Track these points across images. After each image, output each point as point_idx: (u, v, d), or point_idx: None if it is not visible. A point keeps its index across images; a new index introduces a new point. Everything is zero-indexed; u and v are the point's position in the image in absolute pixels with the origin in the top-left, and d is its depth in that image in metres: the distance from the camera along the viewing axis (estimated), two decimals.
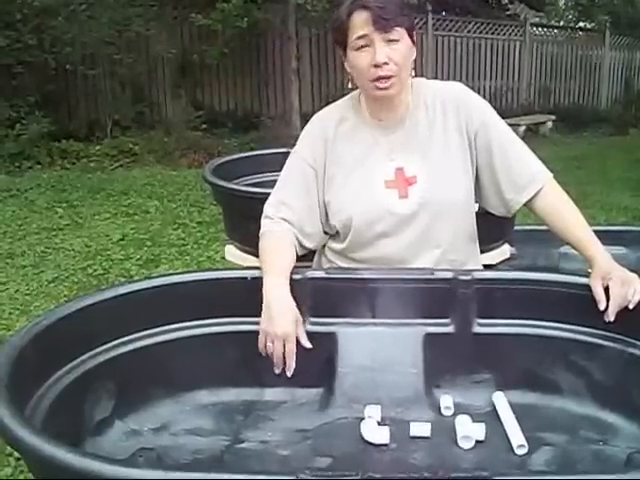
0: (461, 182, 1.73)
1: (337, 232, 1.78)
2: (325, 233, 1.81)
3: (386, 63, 1.61)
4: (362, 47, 1.62)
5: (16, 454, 2.51)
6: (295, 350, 1.52)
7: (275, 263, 1.62)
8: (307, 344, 1.54)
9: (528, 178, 1.73)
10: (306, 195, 1.75)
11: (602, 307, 1.48)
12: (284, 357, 1.52)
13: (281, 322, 1.51)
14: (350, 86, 1.77)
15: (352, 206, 1.71)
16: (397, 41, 1.61)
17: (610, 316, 1.47)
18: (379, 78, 1.63)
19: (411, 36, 1.66)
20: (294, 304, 1.55)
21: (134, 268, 4.68)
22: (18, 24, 7.95)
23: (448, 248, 1.74)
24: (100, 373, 1.43)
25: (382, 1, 1.59)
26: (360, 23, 1.60)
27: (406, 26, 1.63)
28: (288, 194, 1.76)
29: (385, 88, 1.64)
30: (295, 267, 1.64)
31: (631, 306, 1.46)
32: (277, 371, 1.53)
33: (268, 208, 1.76)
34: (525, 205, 1.75)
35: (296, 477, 0.91)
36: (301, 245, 1.75)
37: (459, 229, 1.76)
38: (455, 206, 1.73)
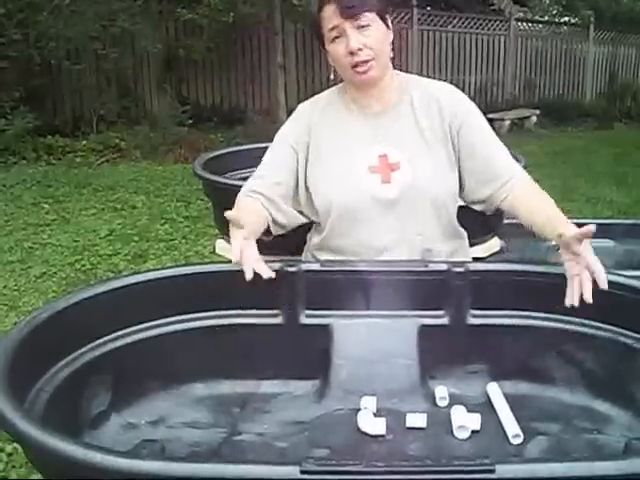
0: (445, 175, 1.75)
1: (319, 222, 1.80)
2: (301, 213, 1.82)
3: (360, 49, 1.65)
4: (336, 38, 1.67)
5: (7, 449, 2.51)
6: (257, 257, 1.49)
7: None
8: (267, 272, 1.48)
9: (508, 176, 1.73)
10: (284, 173, 1.78)
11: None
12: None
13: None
14: (333, 78, 1.81)
15: (333, 189, 1.73)
16: (368, 26, 1.66)
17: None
18: (357, 64, 1.67)
19: (384, 19, 1.70)
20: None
21: (122, 263, 4.67)
22: (2, 18, 7.89)
23: (430, 238, 1.75)
24: (97, 366, 1.43)
25: None
26: (329, 15, 1.66)
27: (377, 10, 1.67)
28: (266, 170, 1.79)
29: (364, 72, 1.68)
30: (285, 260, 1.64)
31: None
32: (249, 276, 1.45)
33: (246, 183, 1.79)
34: (501, 203, 1.74)
35: (300, 466, 0.92)
36: (274, 220, 1.75)
37: (443, 220, 1.77)
38: (438, 197, 1.74)
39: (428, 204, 1.73)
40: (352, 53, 1.65)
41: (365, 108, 1.78)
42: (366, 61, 1.67)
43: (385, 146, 1.74)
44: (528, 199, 1.70)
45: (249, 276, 1.44)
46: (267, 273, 1.47)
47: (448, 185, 1.76)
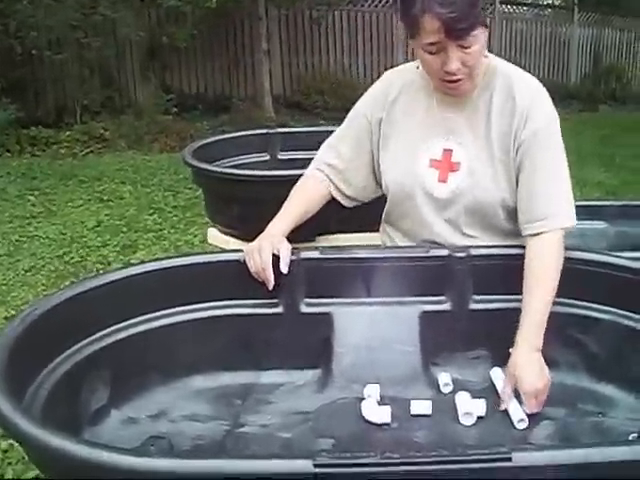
0: (502, 185, 1.64)
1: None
2: (378, 186, 1.81)
3: (458, 69, 1.54)
4: (432, 52, 1.53)
5: (2, 446, 2.48)
6: (270, 262, 1.54)
7: (286, 210, 1.71)
8: (283, 268, 1.56)
9: (543, 215, 1.60)
10: (356, 145, 1.77)
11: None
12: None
13: (258, 242, 1.59)
14: (418, 68, 1.69)
15: (392, 172, 1.71)
16: (472, 44, 1.51)
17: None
18: (450, 81, 1.58)
19: (485, 25, 1.54)
20: (280, 235, 1.62)
21: (112, 255, 4.62)
22: None
23: (480, 239, 1.69)
24: (95, 361, 1.41)
25: (454, 7, 1.44)
26: (432, 30, 1.47)
27: (479, 23, 1.51)
28: (339, 141, 1.81)
29: (455, 88, 1.60)
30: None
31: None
32: (269, 286, 1.55)
33: (320, 152, 1.83)
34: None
35: (313, 460, 0.90)
36: (343, 193, 1.80)
37: (495, 226, 1.69)
38: (491, 205, 1.65)
39: (480, 212, 1.66)
40: (448, 72, 1.54)
41: (445, 96, 1.66)
42: (460, 79, 1.57)
43: (452, 141, 1.66)
44: (531, 269, 1.54)
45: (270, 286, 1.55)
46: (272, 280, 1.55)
47: (503, 197, 1.64)
